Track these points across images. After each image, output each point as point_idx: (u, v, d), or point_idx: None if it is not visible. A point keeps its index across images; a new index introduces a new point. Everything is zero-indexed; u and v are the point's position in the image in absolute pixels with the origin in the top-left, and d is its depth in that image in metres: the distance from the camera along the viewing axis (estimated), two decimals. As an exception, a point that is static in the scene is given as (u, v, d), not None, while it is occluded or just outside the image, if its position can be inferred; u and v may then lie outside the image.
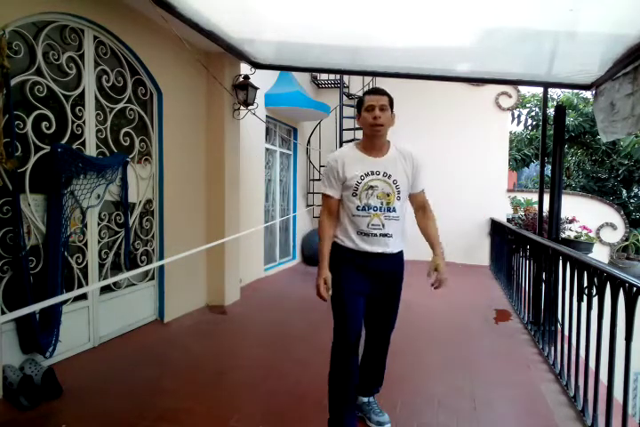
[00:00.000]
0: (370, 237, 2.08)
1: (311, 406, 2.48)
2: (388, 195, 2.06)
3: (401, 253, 2.20)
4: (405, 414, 2.44)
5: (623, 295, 1.98)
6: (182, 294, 4.11)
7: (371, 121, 2.02)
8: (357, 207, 2.07)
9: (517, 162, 11.70)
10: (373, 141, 2.08)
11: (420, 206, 2.27)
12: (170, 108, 3.88)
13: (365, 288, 2.13)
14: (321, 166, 7.57)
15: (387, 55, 3.75)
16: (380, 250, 2.09)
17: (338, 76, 7.60)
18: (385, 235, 2.07)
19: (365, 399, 2.36)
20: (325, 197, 2.16)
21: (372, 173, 2.06)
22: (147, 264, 3.69)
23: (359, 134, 6.36)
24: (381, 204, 2.06)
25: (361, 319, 2.15)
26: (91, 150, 3.11)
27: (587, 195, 8.54)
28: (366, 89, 7.85)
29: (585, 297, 2.46)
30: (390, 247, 2.10)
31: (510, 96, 7.91)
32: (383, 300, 2.20)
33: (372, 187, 2.05)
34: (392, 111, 2.09)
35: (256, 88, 4.57)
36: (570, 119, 10.64)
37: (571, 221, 6.34)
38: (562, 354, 2.87)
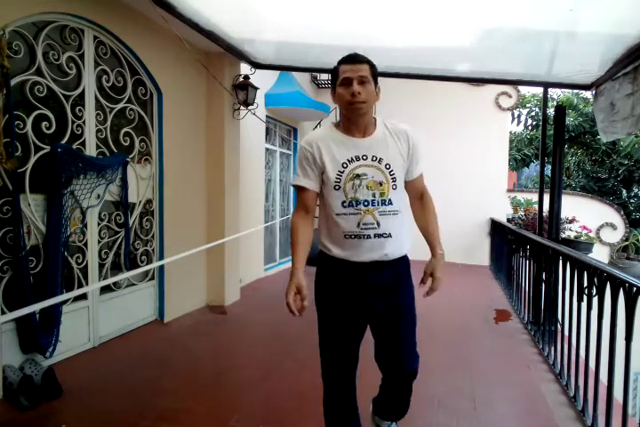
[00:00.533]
0: (362, 241, 1.63)
1: (311, 406, 2.47)
2: (381, 184, 1.63)
3: (406, 257, 1.77)
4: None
5: (623, 295, 1.98)
6: (182, 294, 4.11)
7: (348, 98, 1.58)
8: (343, 203, 1.63)
9: (517, 162, 11.70)
10: (355, 121, 1.65)
11: (417, 196, 1.82)
12: (170, 108, 3.88)
13: (364, 315, 1.72)
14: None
15: (387, 55, 3.74)
16: (377, 257, 1.65)
17: (338, 76, 7.59)
18: (381, 235, 1.63)
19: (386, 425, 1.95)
20: (299, 190, 1.71)
21: (358, 157, 1.63)
22: (147, 264, 3.68)
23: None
24: (373, 196, 1.62)
25: (354, 365, 1.78)
26: (91, 150, 3.11)
27: (587, 195, 8.54)
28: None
29: (585, 297, 2.46)
30: (390, 251, 1.66)
31: (510, 96, 7.91)
32: (391, 324, 1.73)
33: (358, 175, 1.62)
34: (376, 83, 1.64)
35: (256, 88, 4.57)
36: (570, 119, 10.63)
37: (571, 221, 6.34)
38: (562, 354, 2.87)
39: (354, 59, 1.61)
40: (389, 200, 1.64)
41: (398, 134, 1.68)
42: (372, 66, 1.63)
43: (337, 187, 1.64)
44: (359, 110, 1.60)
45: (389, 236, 1.65)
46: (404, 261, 1.76)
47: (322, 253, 1.76)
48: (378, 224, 1.63)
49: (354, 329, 1.74)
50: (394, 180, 1.65)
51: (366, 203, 1.63)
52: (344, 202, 1.63)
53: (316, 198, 1.73)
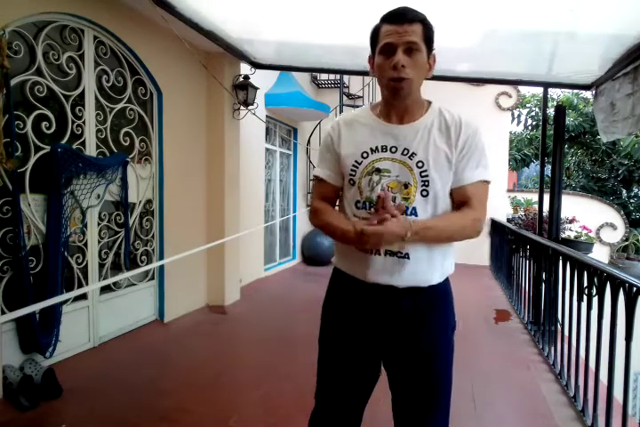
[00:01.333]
0: (370, 256, 1.27)
1: (311, 407, 2.47)
2: (406, 186, 1.24)
3: (442, 286, 1.31)
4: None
5: (623, 295, 1.98)
6: (182, 294, 4.11)
7: (389, 73, 1.20)
8: (357, 204, 1.29)
9: (517, 162, 11.71)
10: (395, 103, 1.27)
11: (461, 205, 1.30)
12: (170, 108, 3.88)
13: (376, 352, 1.32)
14: (321, 166, 7.55)
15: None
16: (387, 280, 1.26)
17: (338, 76, 7.60)
18: (395, 254, 1.25)
19: None
20: (317, 182, 1.40)
21: (385, 148, 1.26)
22: (147, 264, 3.68)
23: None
24: (393, 200, 1.23)
25: (357, 405, 1.38)
26: (91, 150, 3.11)
27: (587, 195, 8.54)
28: (366, 88, 7.90)
29: (585, 297, 2.46)
30: (406, 277, 1.25)
31: (510, 96, 7.91)
32: (409, 375, 1.30)
33: (378, 170, 1.26)
34: (430, 51, 1.24)
35: (256, 88, 4.57)
36: (570, 119, 10.64)
37: (571, 221, 6.34)
38: (562, 354, 2.87)
39: (402, 16, 1.19)
40: (413, 209, 1.24)
41: (450, 124, 1.28)
42: (427, 26, 1.21)
43: (352, 181, 1.30)
44: (401, 90, 1.21)
45: (405, 257, 1.25)
46: (436, 289, 1.30)
47: (334, 271, 1.43)
48: None
49: (361, 368, 1.34)
50: (424, 184, 1.24)
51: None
52: (358, 202, 1.29)
53: (337, 195, 1.40)
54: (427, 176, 1.24)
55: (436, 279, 1.29)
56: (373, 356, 1.33)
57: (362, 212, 1.28)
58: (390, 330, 1.29)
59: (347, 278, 1.35)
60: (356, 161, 1.29)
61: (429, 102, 1.33)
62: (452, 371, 1.32)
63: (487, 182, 1.31)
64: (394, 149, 1.26)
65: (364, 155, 1.28)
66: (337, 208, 1.41)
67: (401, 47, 1.18)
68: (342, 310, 1.35)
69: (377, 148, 1.27)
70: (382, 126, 1.29)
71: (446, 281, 1.34)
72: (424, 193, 1.24)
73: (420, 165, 1.24)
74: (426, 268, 1.27)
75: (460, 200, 1.29)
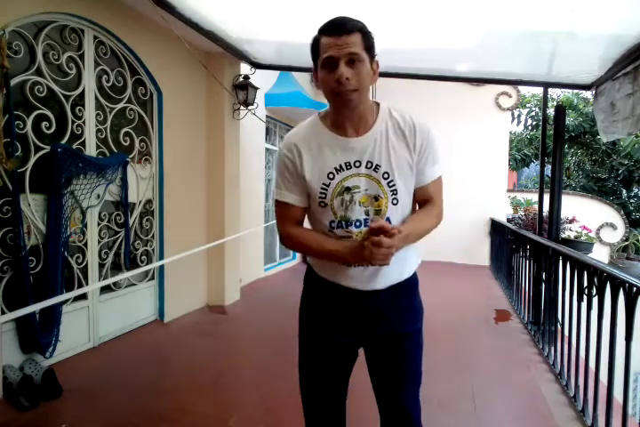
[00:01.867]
0: (351, 269, 1.30)
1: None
2: (377, 198, 1.27)
3: (410, 280, 1.40)
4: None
5: (623, 295, 1.98)
6: (182, 294, 4.11)
7: (333, 86, 1.17)
8: (331, 224, 1.29)
9: (517, 162, 11.71)
10: (345, 114, 1.25)
11: (423, 203, 1.38)
12: (170, 108, 3.88)
13: (354, 342, 1.40)
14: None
15: (387, 55, 3.73)
16: (368, 287, 1.32)
17: (338, 76, 7.59)
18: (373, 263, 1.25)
19: None
20: (283, 207, 1.34)
21: (349, 165, 1.25)
22: (147, 264, 3.69)
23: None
24: (367, 214, 1.27)
25: (342, 400, 1.48)
26: (91, 150, 3.11)
27: (587, 195, 8.55)
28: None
29: (585, 297, 2.46)
30: (384, 281, 1.32)
31: (510, 96, 7.91)
32: (387, 356, 1.40)
33: (348, 189, 1.26)
34: (373, 58, 1.22)
35: (256, 88, 4.57)
36: (570, 119, 10.64)
37: (571, 221, 6.34)
38: (562, 354, 2.87)
39: (340, 27, 1.16)
40: (387, 219, 1.28)
41: (405, 129, 1.28)
42: (366, 34, 1.19)
43: (322, 204, 1.28)
44: (349, 102, 1.20)
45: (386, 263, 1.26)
46: (407, 283, 1.39)
47: (309, 270, 1.45)
48: None
49: (341, 357, 1.42)
50: (394, 193, 1.27)
51: (358, 223, 1.28)
52: (332, 222, 1.29)
53: (304, 213, 1.37)
54: (394, 186, 1.27)
55: (408, 274, 1.39)
56: (352, 344, 1.40)
57: (339, 231, 1.29)
58: (368, 320, 1.36)
59: (324, 282, 1.39)
60: (323, 183, 1.28)
61: (377, 104, 1.32)
62: (423, 349, 1.46)
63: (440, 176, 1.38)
64: (357, 164, 1.26)
65: (330, 175, 1.27)
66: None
67: (343, 59, 1.15)
68: (320, 305, 1.41)
69: (341, 166, 1.26)
70: (340, 142, 1.27)
71: (414, 278, 1.43)
72: (394, 202, 1.29)
73: (385, 176, 1.27)
74: (403, 267, 1.36)
75: (422, 198, 1.37)
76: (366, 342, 1.41)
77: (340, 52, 1.14)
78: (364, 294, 1.34)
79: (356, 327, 1.37)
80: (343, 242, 1.28)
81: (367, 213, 1.27)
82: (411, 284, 1.41)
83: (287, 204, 1.33)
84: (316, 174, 1.28)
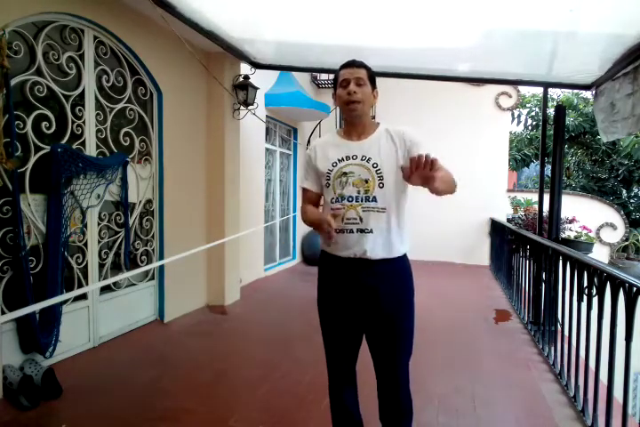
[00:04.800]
0: (346, 235, 1.70)
1: (311, 407, 2.48)
2: (367, 181, 1.70)
3: (400, 259, 1.76)
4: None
5: (623, 295, 1.99)
6: (182, 294, 4.11)
7: (345, 98, 1.71)
8: (332, 200, 1.74)
9: (517, 162, 11.70)
10: (353, 123, 1.78)
11: None
12: (170, 108, 3.88)
13: (357, 315, 1.76)
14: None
15: (387, 55, 3.75)
16: (358, 253, 1.69)
17: (338, 76, 7.60)
18: (363, 230, 1.68)
19: None
20: (304, 191, 1.89)
21: (348, 157, 1.74)
22: (147, 264, 3.69)
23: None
24: (358, 193, 1.70)
25: (350, 356, 1.84)
26: (91, 150, 3.11)
27: (587, 195, 8.54)
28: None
29: (585, 297, 2.46)
30: (370, 247, 1.68)
31: (510, 96, 7.91)
32: (384, 325, 1.74)
33: (345, 173, 1.72)
34: (374, 88, 1.78)
35: (256, 88, 4.57)
36: (570, 119, 10.64)
37: (571, 221, 6.34)
38: (562, 354, 2.87)
39: (352, 63, 1.75)
40: (374, 197, 1.70)
41: (394, 135, 1.75)
42: (369, 70, 1.76)
43: (327, 184, 1.76)
44: (355, 111, 1.72)
45: (370, 231, 1.69)
46: (397, 265, 1.75)
47: (321, 251, 1.86)
48: (360, 219, 1.69)
49: (350, 326, 1.78)
50: (380, 178, 1.70)
51: (350, 198, 1.71)
52: (333, 198, 1.74)
53: (320, 199, 1.87)
54: (381, 173, 1.71)
55: (395, 252, 1.73)
56: (357, 318, 1.77)
57: (336, 204, 1.73)
58: (368, 298, 1.72)
59: (330, 258, 1.78)
60: (329, 169, 1.76)
61: (378, 124, 1.82)
62: (414, 324, 1.79)
63: None
64: (355, 157, 1.74)
65: (334, 164, 1.75)
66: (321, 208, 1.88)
67: (353, 81, 1.72)
68: (331, 285, 1.79)
69: (342, 158, 1.75)
70: (345, 143, 1.78)
71: (405, 258, 1.79)
72: (380, 185, 1.71)
73: (374, 165, 1.71)
74: (386, 241, 1.71)
75: None
76: (367, 319, 1.75)
77: (351, 76, 1.72)
78: (359, 263, 1.70)
79: (358, 304, 1.73)
80: (319, 215, 1.75)
81: (358, 193, 1.71)
82: (401, 266, 1.77)
83: (306, 188, 1.86)
84: (324, 164, 1.78)
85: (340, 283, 1.75)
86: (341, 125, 1.89)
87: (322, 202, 1.87)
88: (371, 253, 1.69)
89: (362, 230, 1.69)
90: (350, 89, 1.70)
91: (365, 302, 1.72)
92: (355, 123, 1.77)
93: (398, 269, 1.76)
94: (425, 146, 1.72)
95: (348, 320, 1.77)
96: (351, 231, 1.70)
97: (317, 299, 1.86)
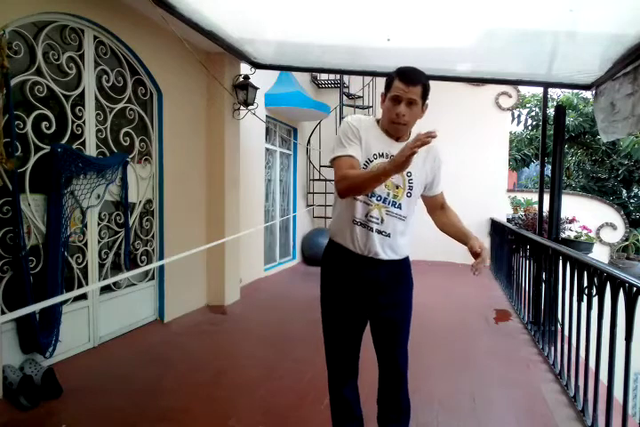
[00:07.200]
0: (365, 231, 1.70)
1: (311, 406, 2.48)
2: (397, 187, 1.70)
3: (405, 259, 1.83)
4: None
5: (623, 295, 1.98)
6: (182, 294, 4.11)
7: (392, 117, 1.65)
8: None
9: (517, 162, 11.71)
10: (391, 129, 1.72)
11: (437, 207, 1.90)
12: (170, 108, 3.88)
13: (363, 306, 1.79)
14: (321, 166, 7.57)
15: (387, 55, 3.75)
16: (371, 252, 1.71)
17: (338, 76, 7.60)
18: (382, 232, 1.70)
19: None
20: (344, 158, 1.67)
21: (387, 155, 1.68)
22: (147, 264, 3.68)
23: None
24: (387, 195, 1.69)
25: (354, 347, 1.85)
26: (91, 150, 3.11)
27: (587, 195, 8.55)
28: (366, 88, 7.90)
29: (585, 297, 2.46)
30: (384, 250, 1.72)
31: (510, 96, 7.91)
32: (386, 320, 1.81)
33: None
34: (425, 102, 1.68)
35: (256, 88, 4.57)
36: (570, 119, 10.64)
37: (571, 221, 6.34)
38: (562, 354, 2.87)
39: (410, 79, 1.62)
40: (399, 204, 1.71)
41: (429, 149, 1.69)
42: (425, 86, 1.66)
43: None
44: (397, 130, 1.69)
45: (388, 235, 1.72)
46: (403, 262, 1.82)
47: (330, 241, 1.86)
48: (381, 221, 1.70)
49: (355, 314, 1.80)
50: (410, 188, 1.72)
51: (379, 198, 1.70)
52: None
53: (359, 166, 1.69)
54: (412, 183, 1.73)
55: (403, 253, 1.79)
56: (362, 310, 1.80)
57: (363, 197, 1.70)
58: (374, 290, 1.76)
59: (340, 249, 1.78)
60: (368, 158, 1.70)
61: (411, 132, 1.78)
62: (412, 315, 1.88)
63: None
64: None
65: (375, 156, 1.70)
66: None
67: (404, 101, 1.62)
68: (337, 277, 1.80)
69: (381, 153, 1.70)
70: (385, 139, 1.73)
71: (408, 257, 1.85)
72: (408, 195, 1.74)
73: (408, 174, 1.72)
74: (398, 246, 1.75)
75: (436, 203, 1.89)
76: (372, 306, 1.78)
77: (404, 96, 1.62)
78: (368, 260, 1.72)
79: (364, 293, 1.77)
80: (379, 164, 1.63)
81: (387, 195, 1.70)
82: (405, 263, 1.84)
83: (350, 155, 1.67)
84: (366, 149, 1.70)
85: (347, 275, 1.77)
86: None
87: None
88: (383, 255, 1.72)
89: (380, 232, 1.71)
90: (400, 111, 1.62)
91: (371, 291, 1.76)
92: (394, 131, 1.71)
93: (402, 266, 1.83)
94: (443, 167, 1.83)
95: (353, 308, 1.79)
96: (371, 229, 1.70)
97: (321, 288, 1.86)
